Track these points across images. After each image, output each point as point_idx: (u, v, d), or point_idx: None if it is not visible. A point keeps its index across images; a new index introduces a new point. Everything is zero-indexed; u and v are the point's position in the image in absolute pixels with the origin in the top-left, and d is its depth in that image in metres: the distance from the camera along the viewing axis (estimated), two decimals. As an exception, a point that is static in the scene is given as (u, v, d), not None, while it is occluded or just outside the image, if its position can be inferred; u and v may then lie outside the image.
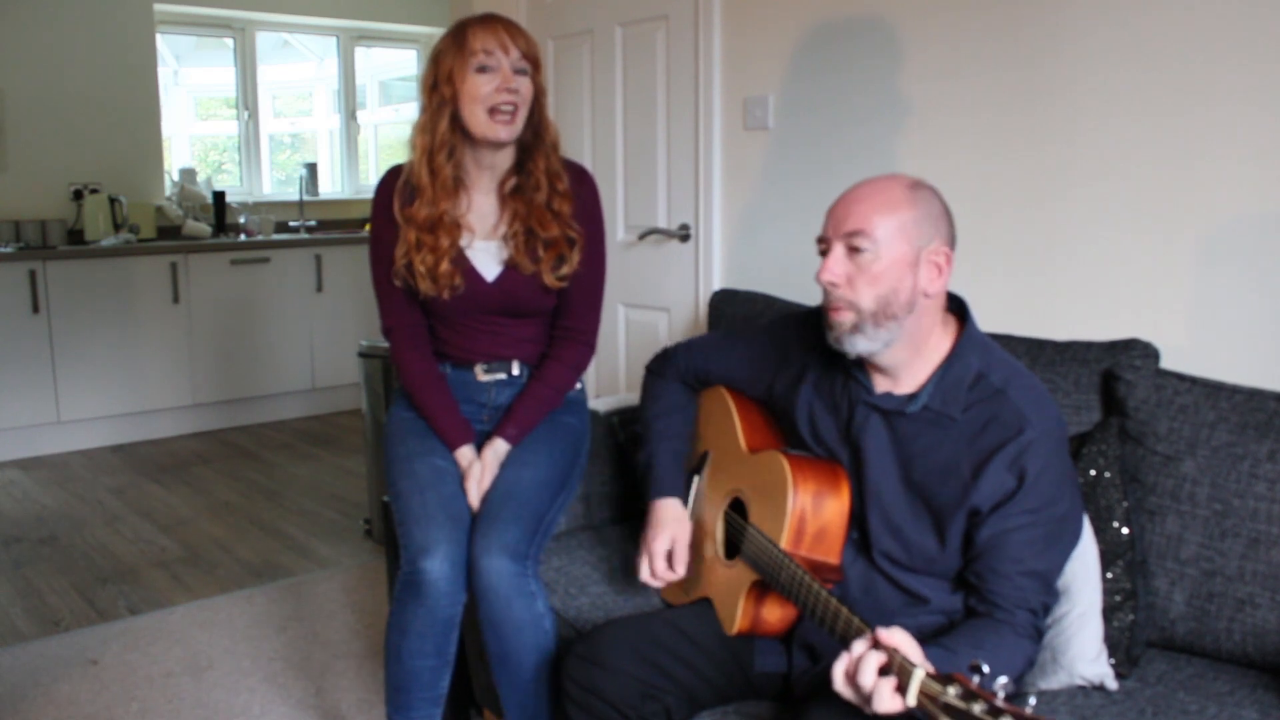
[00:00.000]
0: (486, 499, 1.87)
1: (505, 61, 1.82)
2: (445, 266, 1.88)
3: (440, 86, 1.85)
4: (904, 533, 1.47)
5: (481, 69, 1.81)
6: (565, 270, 1.93)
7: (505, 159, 1.93)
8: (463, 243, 1.92)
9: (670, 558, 1.70)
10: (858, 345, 1.42)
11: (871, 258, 1.39)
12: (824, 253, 1.45)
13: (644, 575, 1.72)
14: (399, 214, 1.91)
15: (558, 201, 1.92)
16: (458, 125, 1.85)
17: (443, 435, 1.95)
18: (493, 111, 1.82)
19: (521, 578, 1.78)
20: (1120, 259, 1.98)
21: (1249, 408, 1.61)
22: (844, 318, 1.41)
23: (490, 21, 1.85)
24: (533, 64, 1.86)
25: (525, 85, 1.85)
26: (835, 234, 1.42)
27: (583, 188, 1.98)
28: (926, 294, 1.42)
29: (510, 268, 1.93)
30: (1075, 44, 2.01)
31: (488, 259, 1.94)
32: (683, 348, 1.88)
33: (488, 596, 1.77)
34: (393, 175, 1.96)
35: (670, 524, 1.72)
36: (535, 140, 1.91)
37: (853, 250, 1.40)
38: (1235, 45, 1.80)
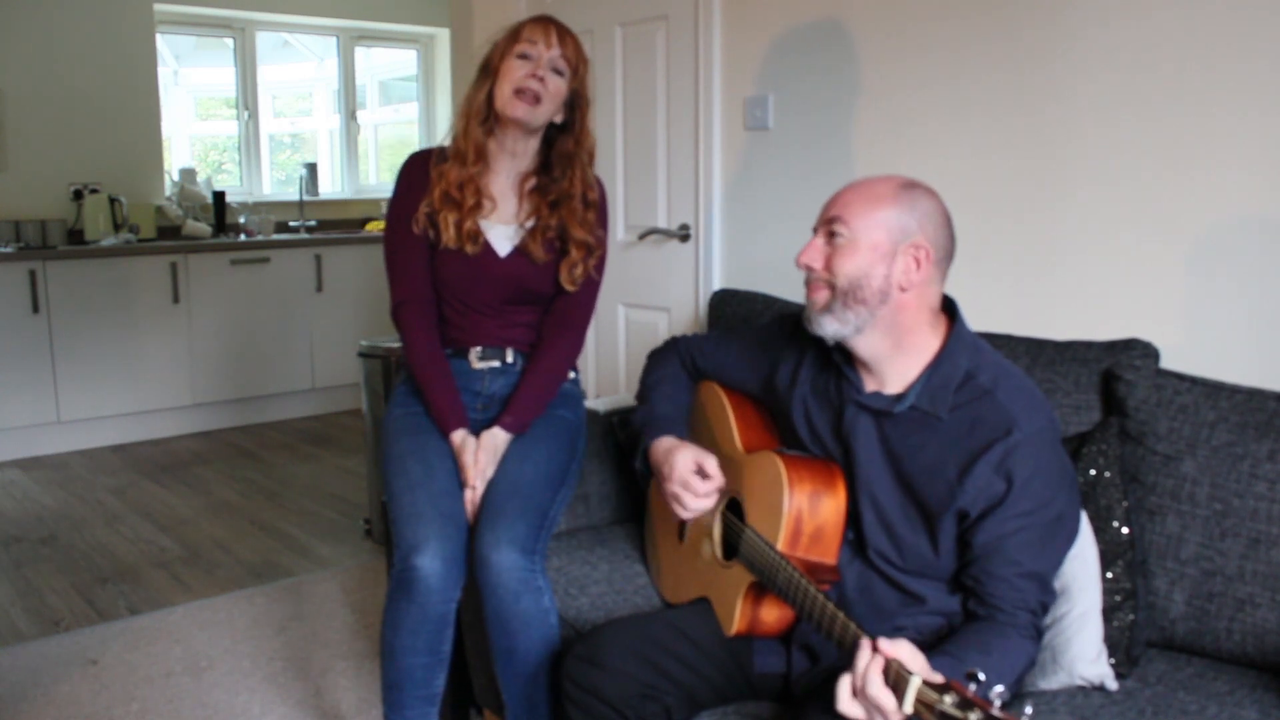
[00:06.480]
0: (489, 494, 1.88)
1: (545, 55, 1.92)
2: (470, 224, 1.96)
3: (489, 68, 1.97)
4: (897, 533, 1.47)
5: (522, 56, 1.92)
6: (579, 273, 2.01)
7: (527, 151, 2.01)
8: (481, 214, 1.98)
9: (701, 470, 1.65)
10: (826, 326, 1.46)
11: (845, 241, 1.44)
12: None
13: (691, 505, 1.64)
14: (432, 170, 1.99)
15: (588, 211, 2.01)
16: (492, 101, 1.95)
17: (438, 417, 1.97)
18: (517, 92, 1.90)
19: (530, 572, 1.79)
20: (1120, 259, 1.98)
21: (1249, 408, 1.61)
22: (818, 295, 1.47)
23: (545, 20, 1.96)
24: (571, 68, 1.95)
25: (556, 83, 1.93)
26: (819, 222, 1.49)
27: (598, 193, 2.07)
28: (902, 287, 1.42)
29: (520, 253, 1.99)
30: (1074, 47, 2.01)
31: (502, 239, 2.00)
32: (687, 338, 1.91)
33: (496, 592, 1.78)
34: (423, 152, 2.06)
35: (681, 447, 1.68)
36: (576, 148, 2.00)
37: (830, 235, 1.46)
38: (1233, 47, 1.80)
